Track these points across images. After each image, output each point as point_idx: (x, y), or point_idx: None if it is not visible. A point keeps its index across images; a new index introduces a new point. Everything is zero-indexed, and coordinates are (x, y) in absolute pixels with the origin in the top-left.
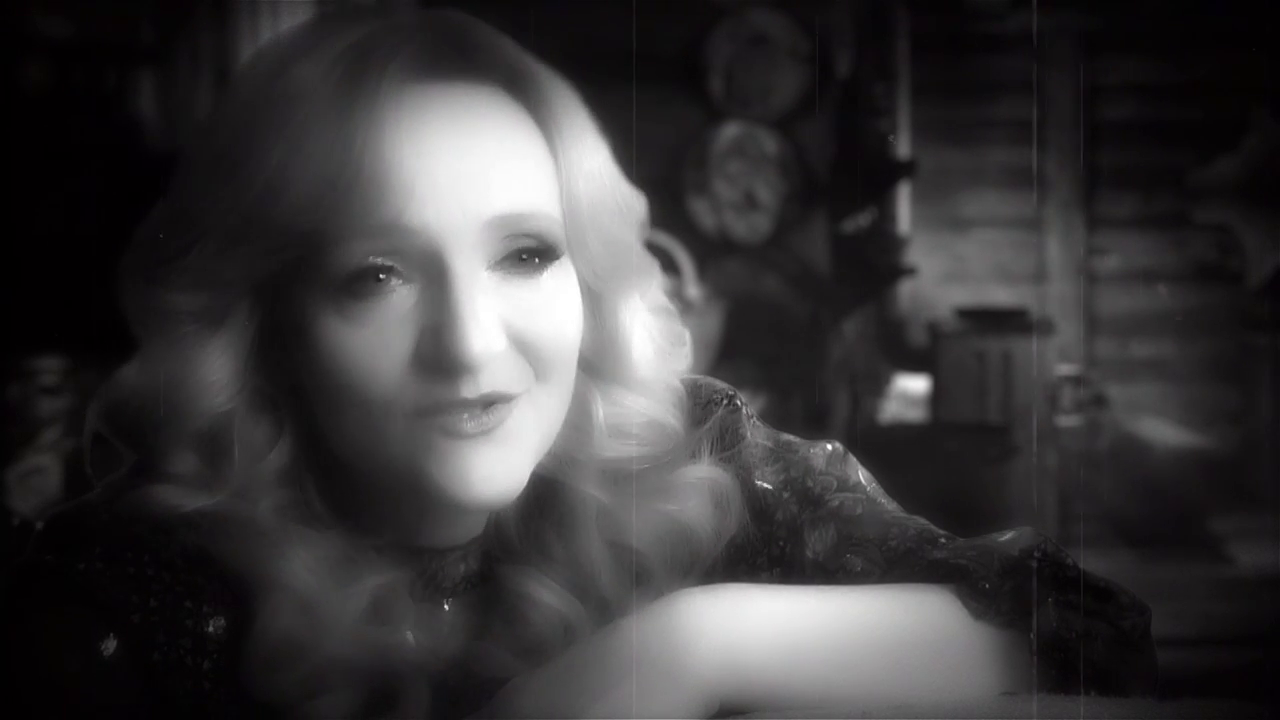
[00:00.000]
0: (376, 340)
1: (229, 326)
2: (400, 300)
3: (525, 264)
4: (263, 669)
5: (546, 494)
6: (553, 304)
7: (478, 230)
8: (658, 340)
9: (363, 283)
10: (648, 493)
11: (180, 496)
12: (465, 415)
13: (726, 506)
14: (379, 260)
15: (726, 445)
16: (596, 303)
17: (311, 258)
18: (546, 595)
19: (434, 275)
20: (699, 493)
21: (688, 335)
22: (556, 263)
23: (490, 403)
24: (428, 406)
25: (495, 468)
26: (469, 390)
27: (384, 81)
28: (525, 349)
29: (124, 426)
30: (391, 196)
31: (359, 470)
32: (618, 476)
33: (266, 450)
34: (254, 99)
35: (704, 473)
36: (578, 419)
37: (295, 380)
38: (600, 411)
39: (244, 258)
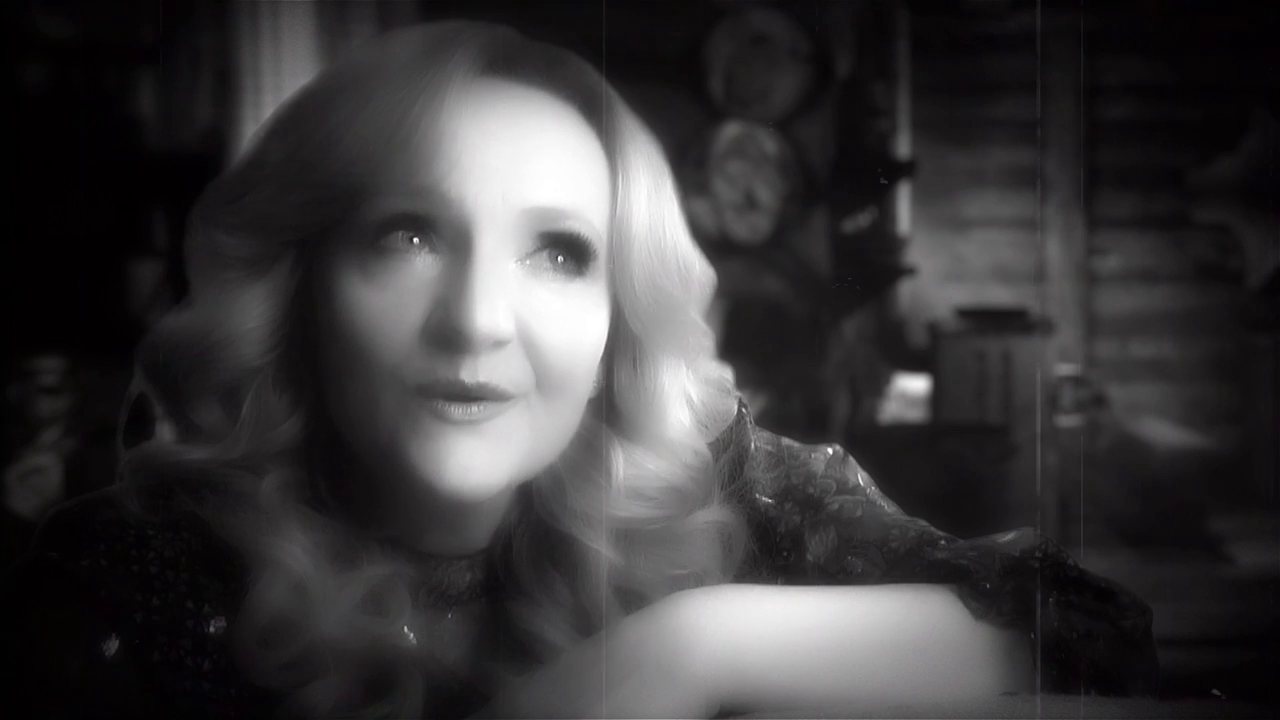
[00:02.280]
0: (391, 305)
1: (272, 276)
2: (422, 268)
3: (557, 270)
4: (254, 646)
5: (559, 542)
6: (572, 317)
7: (513, 216)
8: (699, 412)
9: (390, 240)
10: (658, 544)
11: (185, 450)
12: (456, 403)
13: (733, 545)
14: (408, 219)
15: (734, 477)
16: (639, 354)
17: (351, 214)
18: (555, 636)
19: (460, 251)
20: (708, 537)
21: (736, 409)
22: (589, 277)
23: (482, 397)
24: (426, 385)
25: (474, 459)
26: (468, 374)
27: (451, 63)
28: (532, 352)
29: (159, 370)
30: (437, 163)
31: (355, 451)
32: (629, 534)
33: (282, 419)
34: (333, 73)
35: (713, 516)
36: (597, 476)
37: (317, 348)
38: (621, 472)
39: (294, 205)
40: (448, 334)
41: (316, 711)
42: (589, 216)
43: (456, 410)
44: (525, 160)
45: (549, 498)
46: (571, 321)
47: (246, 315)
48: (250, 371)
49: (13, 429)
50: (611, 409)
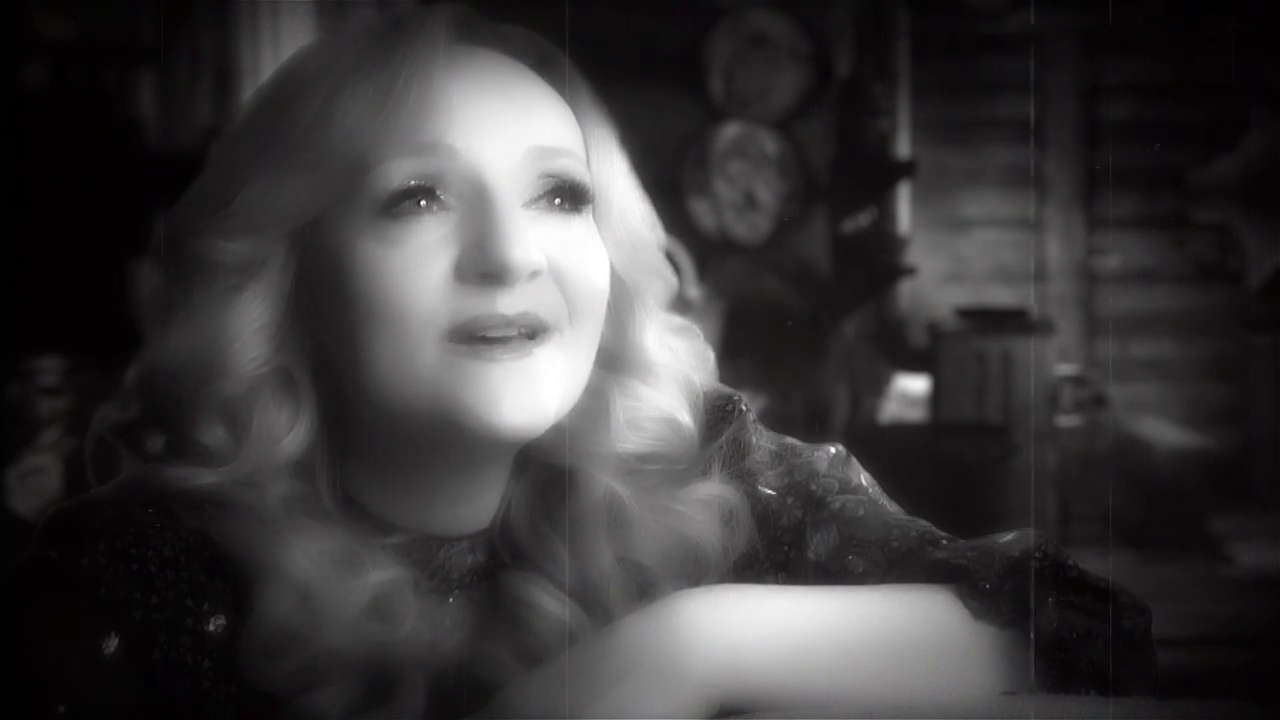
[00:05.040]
0: (415, 258)
1: (266, 274)
2: (439, 224)
3: (557, 208)
4: (259, 656)
5: (558, 496)
6: (584, 246)
7: (517, 159)
8: (678, 352)
9: (402, 204)
10: (658, 507)
11: (191, 474)
12: (498, 340)
13: (735, 524)
14: (420, 183)
15: (735, 459)
16: (619, 292)
17: (354, 188)
18: (551, 604)
19: (473, 200)
20: (708, 510)
21: (711, 354)
22: (586, 212)
23: (525, 325)
24: (464, 323)
25: (525, 397)
26: (507, 306)
27: (425, 33)
28: (562, 281)
29: (159, 393)
30: (435, 120)
31: (383, 425)
32: (631, 481)
33: (285, 431)
34: (301, 62)
35: (714, 490)
36: (595, 412)
37: (325, 337)
38: (617, 403)
39: (291, 193)
40: (486, 271)
41: (321, 718)
42: (579, 155)
43: (499, 348)
44: (517, 106)
45: (549, 443)
46: (585, 250)
47: (248, 318)
48: (254, 381)
49: (13, 429)
50: (598, 352)
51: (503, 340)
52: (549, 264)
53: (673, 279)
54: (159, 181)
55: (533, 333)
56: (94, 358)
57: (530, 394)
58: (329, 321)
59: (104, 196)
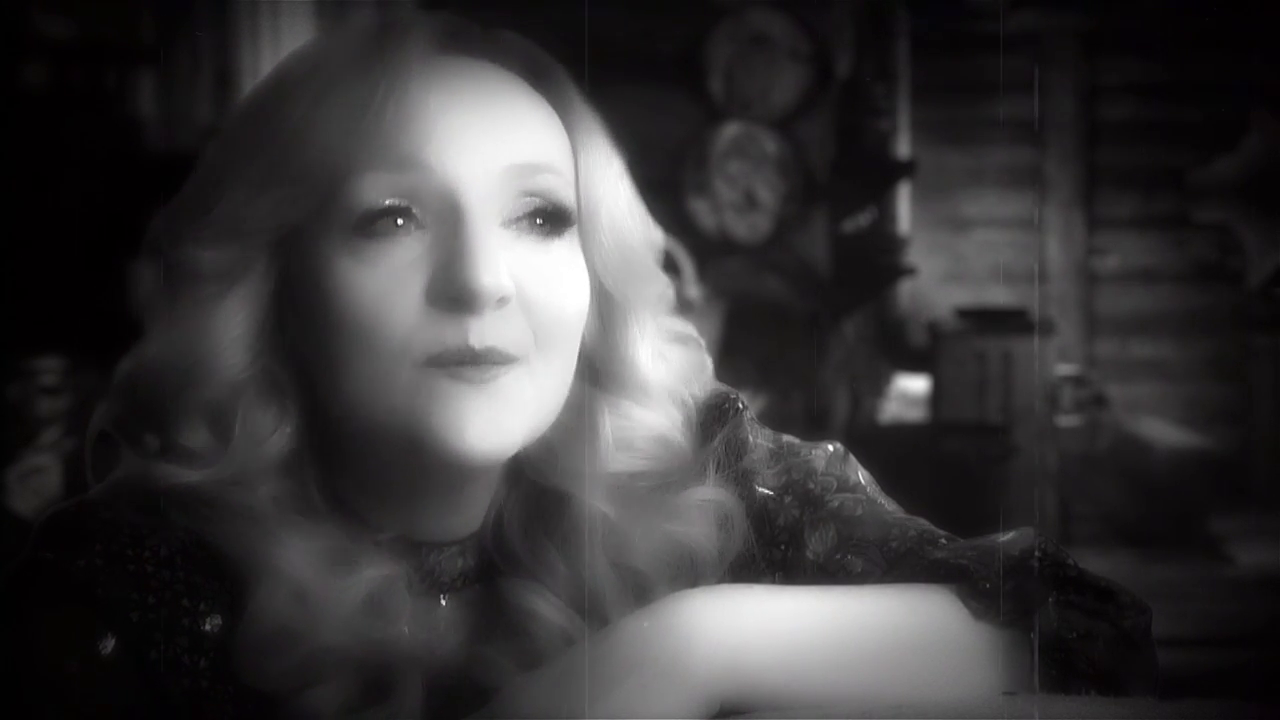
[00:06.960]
0: (388, 280)
1: (247, 282)
2: (414, 243)
3: (538, 229)
4: (255, 655)
5: (551, 509)
6: (560, 272)
7: (494, 177)
8: (673, 363)
9: (377, 223)
10: (653, 514)
11: (180, 472)
12: (469, 363)
13: (730, 528)
14: (396, 201)
15: (732, 461)
16: (609, 310)
17: (331, 202)
18: (548, 611)
19: (448, 219)
20: (704, 515)
21: (710, 364)
22: (568, 234)
23: (490, 361)
24: (437, 355)
25: (490, 423)
26: (475, 338)
27: (407, 44)
28: (529, 310)
29: (142, 396)
30: (411, 136)
31: (360, 437)
32: (624, 495)
33: (270, 433)
34: (285, 70)
35: (709, 494)
36: (584, 432)
37: (305, 347)
38: (607, 424)
39: (269, 204)
40: (453, 294)
41: (318, 716)
42: (562, 171)
43: (469, 368)
44: (498, 122)
45: (540, 461)
46: (559, 277)
47: (229, 324)
48: (237, 385)
49: (13, 429)
50: (589, 369)
51: (474, 364)
52: (518, 291)
53: (669, 289)
54: (159, 181)
55: (501, 360)
56: (94, 358)
57: (494, 420)
58: (307, 333)
59: (104, 196)
